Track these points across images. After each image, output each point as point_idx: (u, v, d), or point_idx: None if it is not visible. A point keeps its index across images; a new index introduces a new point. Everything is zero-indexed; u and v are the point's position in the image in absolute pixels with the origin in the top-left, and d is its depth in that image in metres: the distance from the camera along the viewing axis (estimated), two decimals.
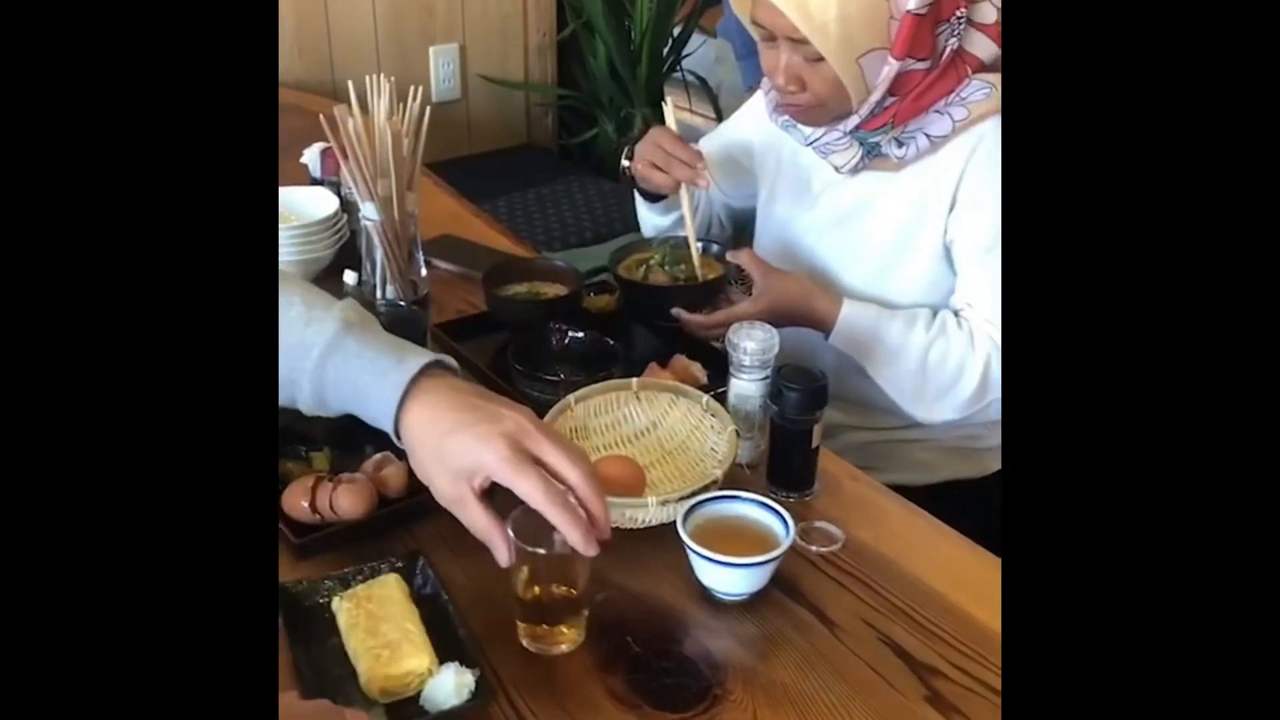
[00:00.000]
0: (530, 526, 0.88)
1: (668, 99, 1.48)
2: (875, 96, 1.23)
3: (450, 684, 0.84)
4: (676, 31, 3.15)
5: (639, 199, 1.56)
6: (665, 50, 3.12)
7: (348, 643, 0.89)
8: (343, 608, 0.91)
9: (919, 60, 1.21)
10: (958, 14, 1.21)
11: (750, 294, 1.35)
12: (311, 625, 0.92)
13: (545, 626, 0.90)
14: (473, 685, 0.85)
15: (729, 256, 1.34)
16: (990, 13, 1.24)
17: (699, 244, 1.41)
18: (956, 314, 1.31)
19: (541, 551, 0.87)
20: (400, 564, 0.97)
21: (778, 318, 1.28)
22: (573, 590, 0.90)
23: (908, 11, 1.18)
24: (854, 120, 1.26)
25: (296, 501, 1.03)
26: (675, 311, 1.30)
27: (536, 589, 0.90)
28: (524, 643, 0.91)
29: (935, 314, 1.30)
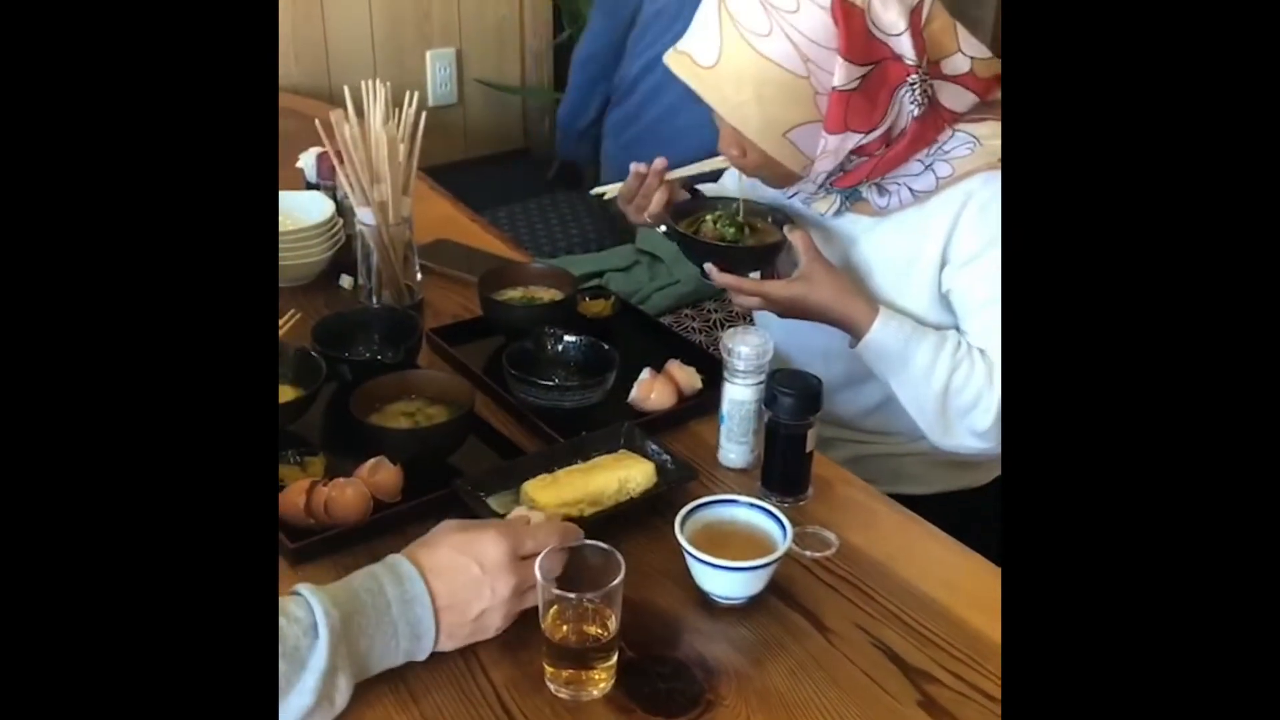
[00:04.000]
0: (561, 566, 0.89)
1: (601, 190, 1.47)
2: (824, 165, 1.21)
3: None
4: None
5: None
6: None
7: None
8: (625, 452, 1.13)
9: (865, 133, 1.18)
10: (909, 80, 1.17)
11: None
12: None
13: (575, 671, 0.88)
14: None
15: (785, 231, 1.31)
16: (963, 64, 1.21)
17: (765, 212, 1.36)
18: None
19: (572, 596, 0.87)
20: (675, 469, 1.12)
21: (807, 308, 1.26)
22: (605, 632, 0.88)
23: (833, 89, 1.15)
24: (811, 186, 1.25)
25: (292, 506, 1.03)
26: (707, 267, 1.28)
27: (566, 628, 0.89)
28: (552, 688, 0.89)
29: (961, 339, 1.26)
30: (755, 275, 1.31)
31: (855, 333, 1.26)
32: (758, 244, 1.31)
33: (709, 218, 1.34)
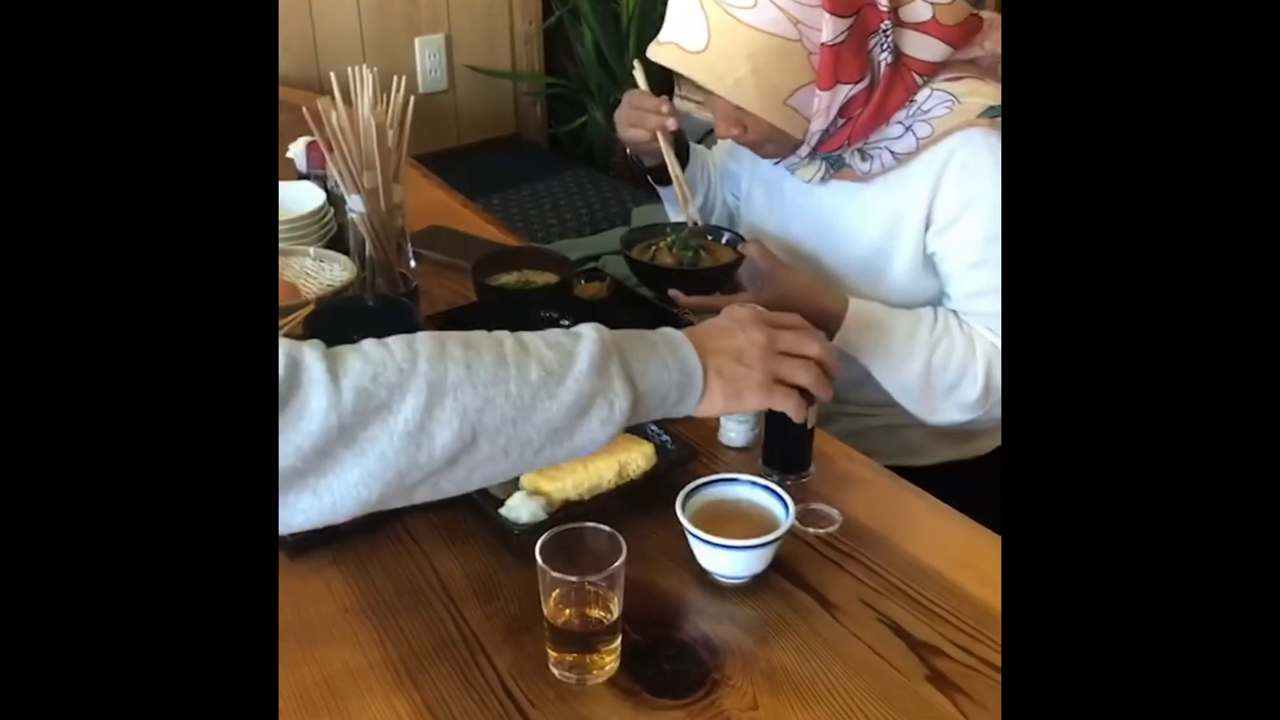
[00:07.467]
0: (562, 550, 0.88)
1: (636, 62, 1.47)
2: (817, 125, 1.21)
3: (522, 506, 1.00)
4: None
5: (659, 191, 1.56)
6: (653, 35, 3.10)
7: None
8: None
9: (853, 84, 1.18)
10: (883, 26, 1.18)
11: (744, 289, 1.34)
12: None
13: (579, 655, 0.88)
14: (541, 517, 0.99)
15: (740, 248, 1.33)
16: (923, 10, 1.20)
17: (715, 232, 1.40)
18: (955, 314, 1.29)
19: (574, 579, 0.86)
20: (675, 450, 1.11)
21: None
22: (608, 615, 0.88)
23: (823, 44, 1.15)
24: (805, 149, 1.25)
25: None
26: (672, 293, 1.29)
27: (568, 612, 0.88)
28: (556, 673, 0.88)
29: (937, 315, 1.28)
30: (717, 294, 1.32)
31: (828, 327, 1.26)
32: (716, 264, 1.33)
33: (663, 244, 1.37)
